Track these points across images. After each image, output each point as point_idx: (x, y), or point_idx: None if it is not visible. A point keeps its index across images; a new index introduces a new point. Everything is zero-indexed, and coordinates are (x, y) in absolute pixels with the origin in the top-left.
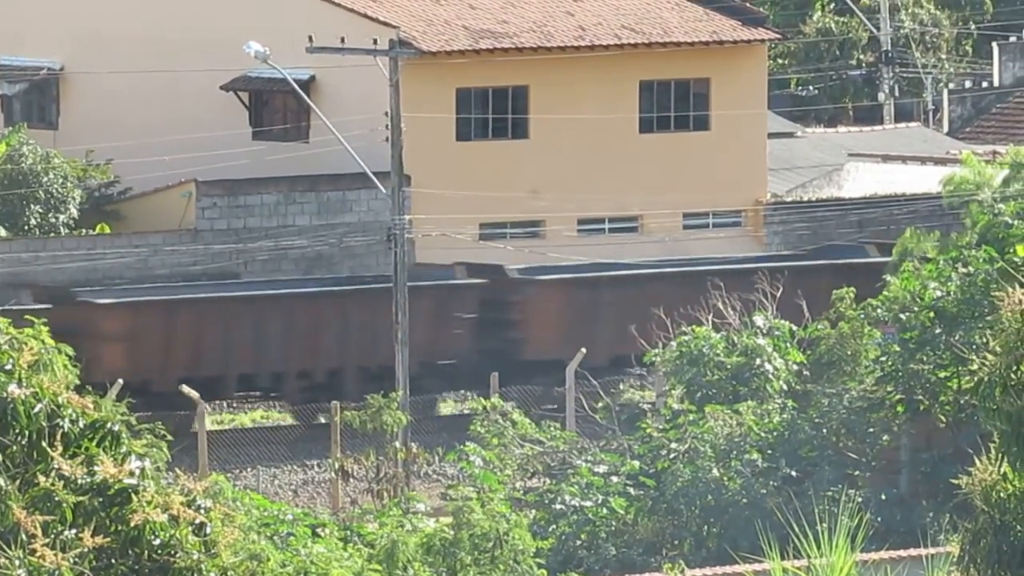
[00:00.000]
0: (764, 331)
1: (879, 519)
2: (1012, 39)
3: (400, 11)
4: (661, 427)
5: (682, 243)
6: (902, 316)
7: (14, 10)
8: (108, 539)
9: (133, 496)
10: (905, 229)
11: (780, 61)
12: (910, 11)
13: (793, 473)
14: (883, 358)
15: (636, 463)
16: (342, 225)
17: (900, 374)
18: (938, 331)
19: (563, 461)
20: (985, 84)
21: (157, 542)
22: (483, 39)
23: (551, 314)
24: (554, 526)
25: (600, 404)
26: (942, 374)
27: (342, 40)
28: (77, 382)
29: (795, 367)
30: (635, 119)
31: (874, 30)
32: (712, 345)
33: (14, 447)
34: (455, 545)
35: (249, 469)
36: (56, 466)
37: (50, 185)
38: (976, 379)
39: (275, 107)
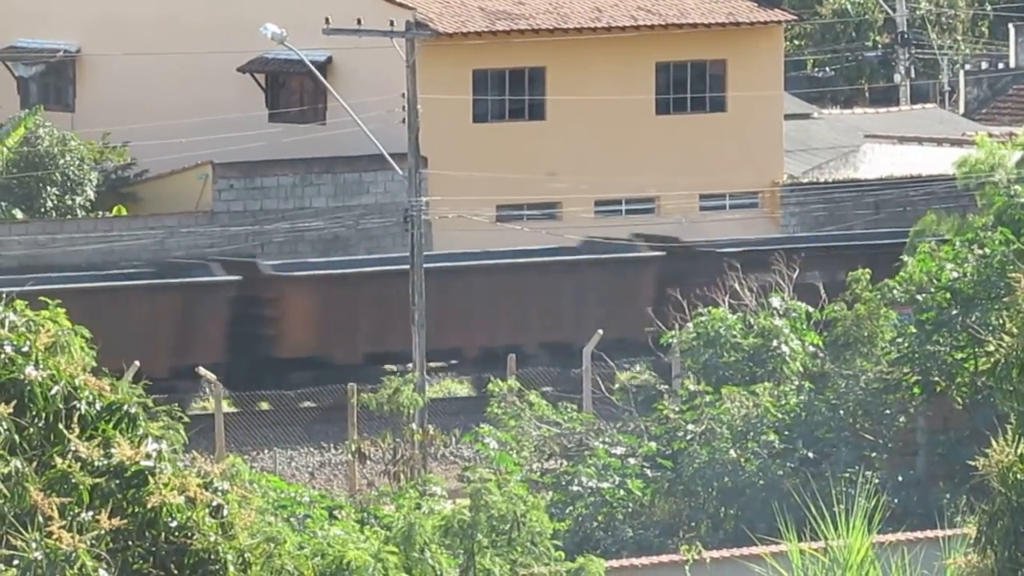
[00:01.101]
0: (780, 312)
1: (896, 501)
2: None
3: None
4: (678, 409)
5: (698, 224)
6: (919, 297)
7: None
8: (125, 521)
9: (150, 478)
10: (921, 210)
11: (796, 42)
12: None
13: (810, 455)
14: (899, 339)
15: (653, 444)
16: (359, 207)
17: (916, 355)
18: (954, 312)
19: (580, 443)
20: (1001, 65)
21: (174, 524)
22: (499, 20)
23: None
24: (571, 508)
25: (617, 386)
26: (958, 355)
27: (359, 21)
28: (94, 364)
29: (812, 349)
30: (651, 100)
31: (890, 11)
32: (729, 326)
33: (31, 429)
34: (473, 527)
35: (266, 451)
36: (73, 448)
37: (67, 167)
38: (993, 360)
39: (292, 89)
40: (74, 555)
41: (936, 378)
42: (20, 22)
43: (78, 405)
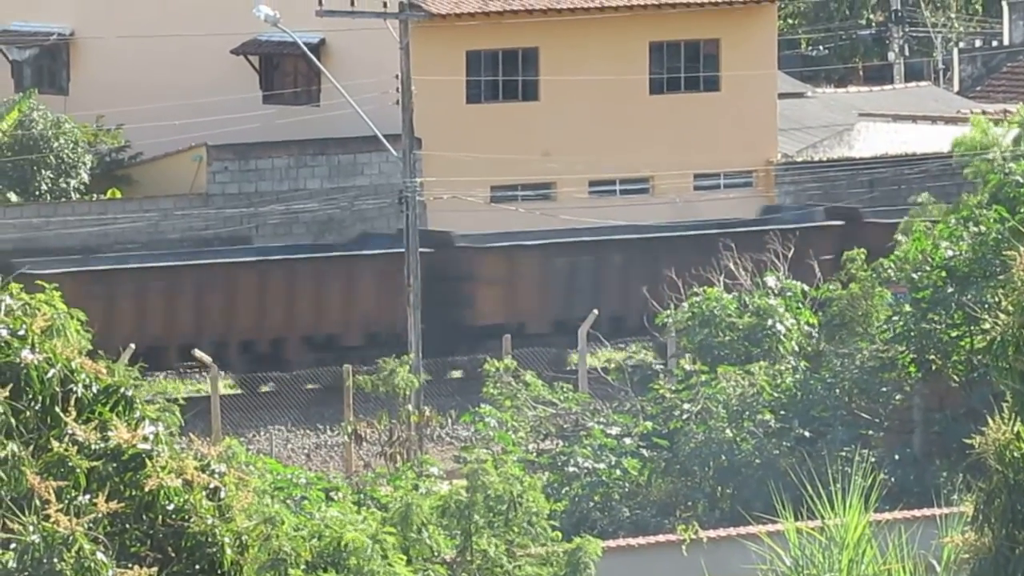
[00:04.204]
0: (776, 291)
1: (892, 479)
2: None
3: None
4: (673, 388)
5: (693, 204)
6: (914, 276)
7: None
8: (122, 504)
9: (147, 461)
10: (915, 189)
11: (790, 21)
12: None
13: (806, 433)
14: (895, 318)
15: (649, 424)
16: (353, 188)
17: (912, 334)
18: (950, 291)
19: (576, 423)
20: (995, 43)
21: (171, 507)
22: (493, 1)
23: None
24: (567, 488)
25: (613, 366)
26: (954, 333)
27: (352, 3)
28: (90, 347)
29: (807, 328)
30: (645, 80)
31: None
32: (724, 306)
33: (27, 413)
34: (469, 507)
35: (262, 433)
36: (70, 431)
37: (61, 150)
38: (989, 338)
39: (285, 71)
40: (71, 538)
41: (932, 356)
42: (13, 6)
43: (74, 388)
